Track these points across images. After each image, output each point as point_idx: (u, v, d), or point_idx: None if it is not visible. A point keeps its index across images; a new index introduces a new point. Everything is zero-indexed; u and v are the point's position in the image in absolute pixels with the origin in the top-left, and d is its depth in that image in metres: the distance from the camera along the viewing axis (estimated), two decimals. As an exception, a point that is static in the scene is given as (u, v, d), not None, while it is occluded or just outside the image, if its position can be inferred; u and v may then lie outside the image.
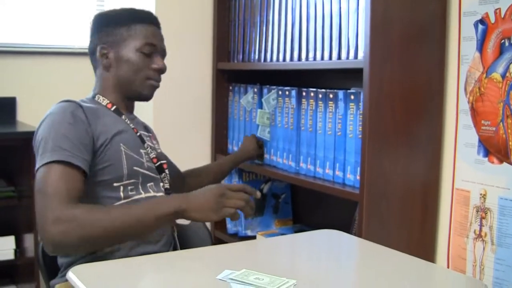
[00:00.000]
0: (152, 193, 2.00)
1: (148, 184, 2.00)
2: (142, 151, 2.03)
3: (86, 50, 3.80)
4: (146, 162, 2.01)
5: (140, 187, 1.97)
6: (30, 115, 3.44)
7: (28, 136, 2.93)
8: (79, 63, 3.70)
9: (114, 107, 2.07)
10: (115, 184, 1.91)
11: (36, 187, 1.75)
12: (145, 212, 1.76)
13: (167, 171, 2.12)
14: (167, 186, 2.09)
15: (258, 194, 1.93)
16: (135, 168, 1.96)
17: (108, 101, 2.08)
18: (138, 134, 2.07)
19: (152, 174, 2.03)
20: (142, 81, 2.09)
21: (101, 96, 2.09)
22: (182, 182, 2.45)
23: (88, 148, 1.85)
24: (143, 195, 1.96)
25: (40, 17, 3.62)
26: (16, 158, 3.21)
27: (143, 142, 2.07)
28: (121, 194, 1.91)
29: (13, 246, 3.15)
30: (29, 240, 3.08)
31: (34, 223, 1.79)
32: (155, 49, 2.10)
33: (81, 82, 3.65)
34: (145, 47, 2.07)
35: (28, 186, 2.90)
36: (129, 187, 1.93)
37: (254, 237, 3.02)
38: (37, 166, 1.79)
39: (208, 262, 1.63)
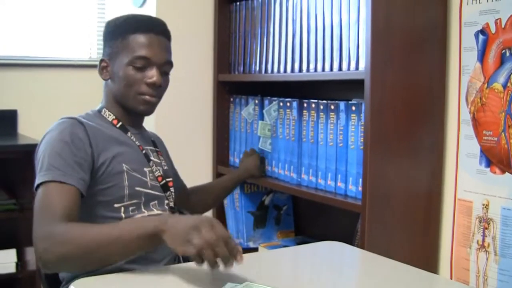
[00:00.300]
0: (155, 212, 1.96)
1: (152, 203, 1.96)
2: (146, 169, 1.98)
3: (86, 63, 3.83)
4: (150, 181, 1.97)
5: (142, 206, 1.93)
6: (31, 128, 3.45)
7: (29, 149, 2.95)
8: (80, 75, 3.72)
9: (120, 123, 2.02)
10: (115, 205, 1.88)
11: (34, 206, 1.75)
12: (125, 231, 1.63)
13: (172, 189, 2.07)
14: (171, 204, 2.05)
15: (239, 258, 1.51)
16: (137, 188, 1.92)
17: (114, 117, 2.02)
18: (143, 151, 2.02)
19: (156, 193, 1.99)
20: (134, 96, 1.98)
21: (107, 111, 2.04)
22: (187, 198, 2.42)
23: (85, 167, 1.80)
24: (145, 214, 1.93)
25: (41, 29, 3.64)
26: (17, 170, 3.21)
27: (148, 160, 2.02)
28: (122, 214, 1.88)
29: (15, 259, 3.15)
30: (30, 253, 3.07)
31: (35, 236, 1.78)
32: (148, 61, 1.96)
33: (82, 95, 3.67)
34: (137, 61, 1.95)
35: (29, 199, 2.89)
36: (131, 208, 1.90)
37: (256, 249, 3.02)
38: (35, 184, 1.78)
39: (211, 274, 1.62)
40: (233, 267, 1.51)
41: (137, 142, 2.02)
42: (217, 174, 3.29)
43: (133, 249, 1.65)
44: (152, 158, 2.05)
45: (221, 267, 1.50)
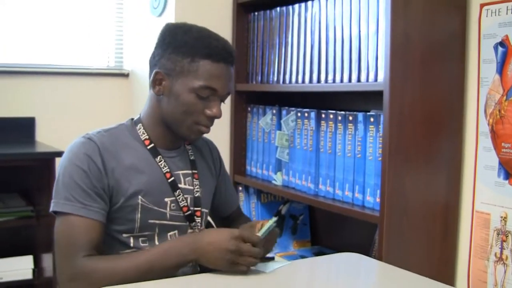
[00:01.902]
0: None
1: (170, 233, 1.88)
2: (167, 200, 1.87)
3: (104, 71, 3.84)
4: (169, 212, 1.86)
5: (156, 237, 1.85)
6: (49, 135, 3.47)
7: (47, 157, 2.98)
8: (98, 83, 3.74)
9: (152, 145, 1.89)
10: (124, 235, 1.82)
11: (54, 235, 1.75)
12: (156, 263, 1.69)
13: (199, 219, 1.94)
14: None
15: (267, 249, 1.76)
16: (150, 221, 1.83)
17: (147, 136, 1.89)
18: (170, 179, 1.88)
19: (176, 223, 1.89)
20: (191, 125, 1.85)
21: (142, 128, 1.90)
22: (226, 217, 2.25)
23: (104, 196, 1.76)
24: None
25: (59, 38, 3.66)
26: (35, 178, 3.23)
27: (175, 188, 1.88)
28: (131, 244, 1.82)
29: (31, 265, 3.17)
30: (47, 259, 3.08)
31: (52, 243, 1.79)
32: (214, 93, 1.82)
33: (100, 103, 3.70)
34: (203, 90, 1.80)
35: (47, 206, 2.88)
36: (141, 239, 1.83)
37: (272, 259, 3.01)
38: (51, 207, 1.77)
39: (230, 284, 1.62)
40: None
41: (165, 169, 1.88)
42: (234, 184, 3.29)
43: (162, 277, 1.69)
44: (181, 185, 1.91)
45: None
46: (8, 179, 3.37)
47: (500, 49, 2.27)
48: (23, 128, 3.49)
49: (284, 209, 3.19)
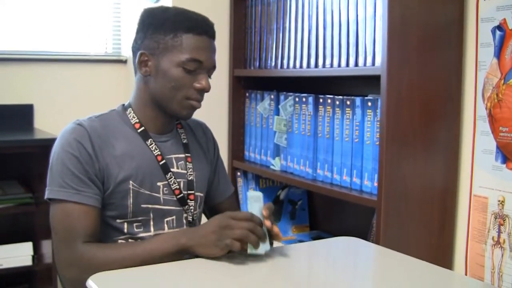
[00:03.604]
0: (166, 230, 1.88)
1: (167, 219, 1.89)
2: (160, 183, 1.87)
3: (102, 57, 3.84)
4: (163, 196, 1.87)
5: (151, 223, 1.86)
6: (47, 122, 3.48)
7: (45, 143, 2.98)
8: (96, 70, 3.74)
9: (142, 128, 1.89)
10: (118, 221, 1.83)
11: (50, 222, 1.76)
12: (149, 253, 1.69)
13: (192, 202, 1.94)
14: (190, 219, 1.94)
15: (268, 223, 1.71)
16: (143, 205, 1.84)
17: (137, 120, 1.89)
18: (162, 162, 1.88)
19: (171, 208, 1.90)
20: (181, 100, 1.85)
21: (132, 112, 1.90)
22: (223, 206, 2.20)
23: (97, 182, 1.77)
24: (151, 232, 1.86)
25: (57, 24, 3.65)
26: (34, 164, 3.23)
27: (167, 171, 1.89)
28: (125, 230, 1.83)
29: (31, 252, 3.18)
30: (46, 246, 3.10)
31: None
32: (200, 65, 1.83)
33: (97, 89, 3.70)
34: (189, 63, 1.81)
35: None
36: (135, 224, 1.84)
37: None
38: (46, 195, 1.77)
39: (228, 269, 1.63)
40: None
41: (156, 152, 1.88)
42: (233, 169, 3.30)
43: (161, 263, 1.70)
44: (173, 169, 1.92)
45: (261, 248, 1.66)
46: (7, 166, 3.38)
47: (498, 32, 2.26)
48: (22, 115, 3.49)
49: (282, 194, 3.19)
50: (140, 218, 1.83)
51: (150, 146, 1.88)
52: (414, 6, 2.28)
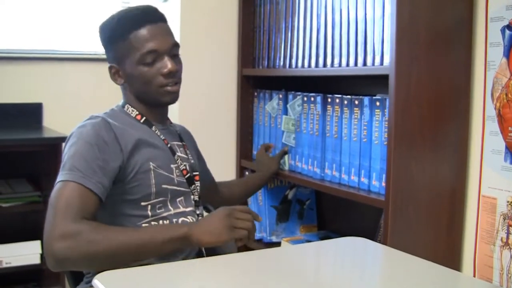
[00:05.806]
0: (181, 209, 1.98)
1: (178, 199, 1.98)
2: (172, 166, 1.99)
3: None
4: (176, 178, 1.98)
5: (169, 203, 1.95)
6: (56, 121, 3.48)
7: (54, 142, 2.99)
8: (105, 69, 3.73)
9: (144, 118, 2.03)
10: (142, 203, 1.89)
11: (49, 200, 1.76)
12: (152, 236, 1.72)
13: (198, 183, 2.08)
14: (196, 198, 2.05)
15: (260, 218, 1.91)
16: (164, 186, 1.93)
17: (137, 112, 2.02)
18: (168, 145, 2.03)
19: (182, 189, 2.00)
20: (157, 90, 1.97)
21: (130, 107, 2.03)
22: (215, 190, 2.45)
23: (107, 170, 1.80)
24: (172, 211, 1.95)
25: (66, 23, 3.65)
26: (42, 163, 3.24)
27: (174, 154, 2.02)
28: (149, 212, 1.90)
29: (39, 250, 3.18)
30: (55, 245, 3.09)
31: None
32: (157, 53, 1.94)
33: (106, 88, 3.68)
34: (145, 57, 1.93)
35: (54, 191, 2.93)
36: (157, 205, 1.92)
37: (279, 244, 3.02)
38: (56, 181, 1.79)
39: (235, 269, 1.62)
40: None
41: (162, 137, 2.02)
42: (241, 168, 3.30)
43: (159, 253, 1.76)
44: (178, 153, 2.06)
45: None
46: (16, 164, 3.39)
47: (507, 32, 2.25)
48: (31, 113, 3.50)
49: (290, 194, 3.19)
50: (161, 199, 1.92)
51: (156, 132, 2.02)
52: (423, 5, 2.26)
